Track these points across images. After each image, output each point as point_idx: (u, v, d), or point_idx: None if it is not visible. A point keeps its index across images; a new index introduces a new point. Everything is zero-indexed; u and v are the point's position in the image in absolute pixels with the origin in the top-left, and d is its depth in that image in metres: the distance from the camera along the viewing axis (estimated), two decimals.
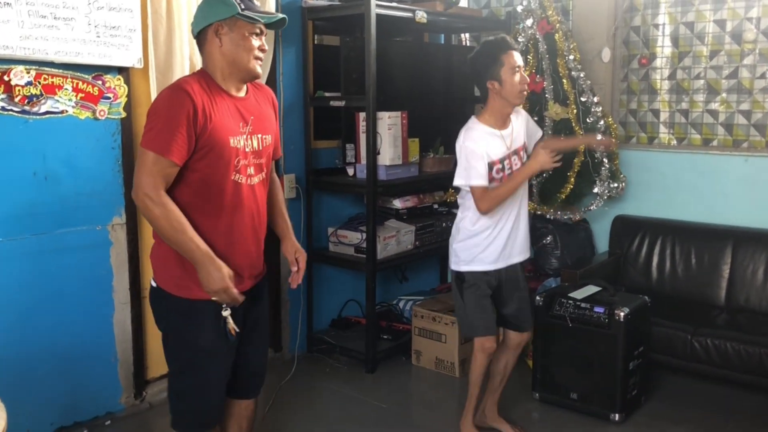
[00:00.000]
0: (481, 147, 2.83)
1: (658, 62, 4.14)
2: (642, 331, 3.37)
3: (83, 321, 3.15)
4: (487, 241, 2.92)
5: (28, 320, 2.96)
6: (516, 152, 2.95)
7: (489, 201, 2.83)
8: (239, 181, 2.13)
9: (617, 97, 4.27)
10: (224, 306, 2.12)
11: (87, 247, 3.13)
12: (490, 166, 2.85)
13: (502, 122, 2.92)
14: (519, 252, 3.03)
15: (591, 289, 3.44)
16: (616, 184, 3.90)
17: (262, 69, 2.22)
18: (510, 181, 2.85)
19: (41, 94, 2.88)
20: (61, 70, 2.93)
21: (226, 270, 2.03)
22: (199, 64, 3.30)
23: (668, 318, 3.52)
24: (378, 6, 3.60)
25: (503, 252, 2.96)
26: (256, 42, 2.13)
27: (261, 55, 2.16)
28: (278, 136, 2.36)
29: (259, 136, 2.21)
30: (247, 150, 2.15)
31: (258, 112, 2.23)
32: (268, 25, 2.18)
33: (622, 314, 3.19)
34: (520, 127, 3.00)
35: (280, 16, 2.21)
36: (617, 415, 3.25)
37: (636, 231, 4.05)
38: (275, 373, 3.84)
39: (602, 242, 4.26)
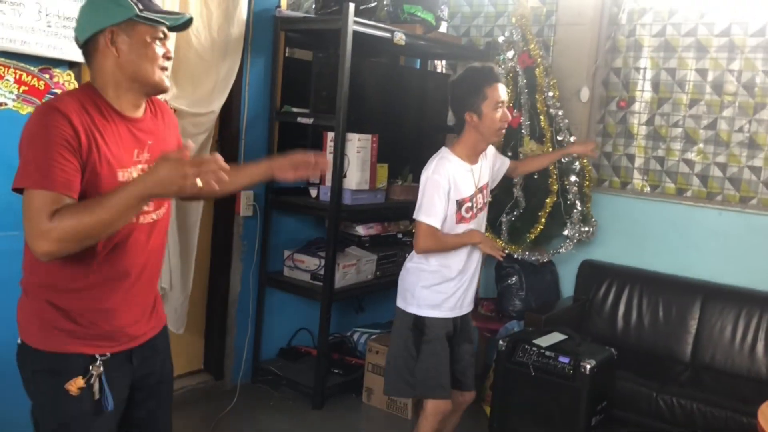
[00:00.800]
0: (446, 183, 2.59)
1: (636, 106, 4.05)
2: (606, 386, 3.22)
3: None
4: (455, 285, 2.70)
5: None
6: (481, 190, 2.76)
7: (434, 243, 2.61)
8: (131, 220, 1.70)
9: (593, 138, 4.15)
10: (97, 362, 1.72)
11: (16, 254, 2.83)
12: (459, 204, 2.65)
13: (474, 157, 2.73)
14: (471, 300, 2.83)
15: (556, 337, 3.28)
16: (587, 228, 3.78)
17: (168, 80, 1.80)
18: (460, 238, 2.66)
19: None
20: (3, 59, 2.66)
21: (171, 158, 1.53)
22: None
23: (633, 372, 3.37)
24: (356, 23, 3.41)
25: (463, 297, 2.75)
26: (160, 49, 1.74)
27: (167, 64, 1.78)
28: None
29: None
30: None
31: (157, 133, 1.83)
32: (171, 28, 1.80)
33: (588, 366, 3.03)
34: (488, 163, 2.82)
35: (188, 16, 1.82)
36: None
37: (603, 277, 3.92)
38: (214, 403, 3.58)
39: (568, 286, 4.12)
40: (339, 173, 3.47)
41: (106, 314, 1.76)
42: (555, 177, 3.68)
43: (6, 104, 2.71)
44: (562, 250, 3.79)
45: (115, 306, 1.77)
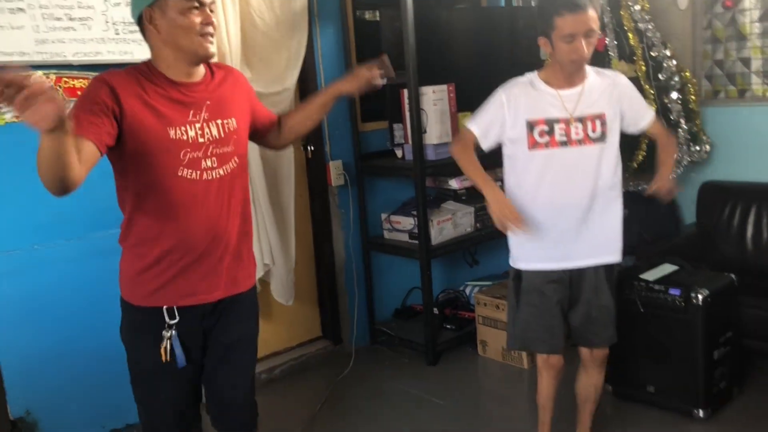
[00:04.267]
0: (504, 98, 2.41)
1: (745, 3, 3.60)
2: (728, 315, 2.94)
3: None
4: (541, 223, 2.41)
5: (70, 325, 2.96)
6: (582, 120, 2.37)
7: (460, 148, 2.48)
8: (190, 176, 1.85)
9: (699, 47, 3.76)
10: (167, 322, 1.88)
11: None
12: (531, 125, 2.38)
13: (564, 81, 2.40)
14: (604, 251, 2.48)
15: (667, 269, 3.05)
16: (698, 147, 3.45)
17: (214, 46, 1.94)
18: (475, 173, 2.45)
19: (63, 98, 2.84)
20: (81, 72, 2.88)
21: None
22: (228, 54, 3.23)
23: (764, 297, 3.05)
24: None
25: (563, 246, 2.43)
26: (197, 18, 1.83)
27: (208, 30, 1.86)
28: (255, 109, 2.12)
29: (219, 121, 1.93)
30: (200, 140, 1.87)
31: (217, 96, 1.95)
32: None
33: (700, 296, 2.79)
34: (602, 92, 2.42)
35: None
36: (701, 411, 2.86)
37: (726, 199, 3.57)
38: (332, 368, 3.71)
39: (689, 213, 3.79)
40: (418, 129, 3.42)
41: (181, 271, 1.89)
42: (652, 97, 3.38)
43: None
44: (672, 175, 3.47)
45: (188, 263, 1.89)
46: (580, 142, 2.40)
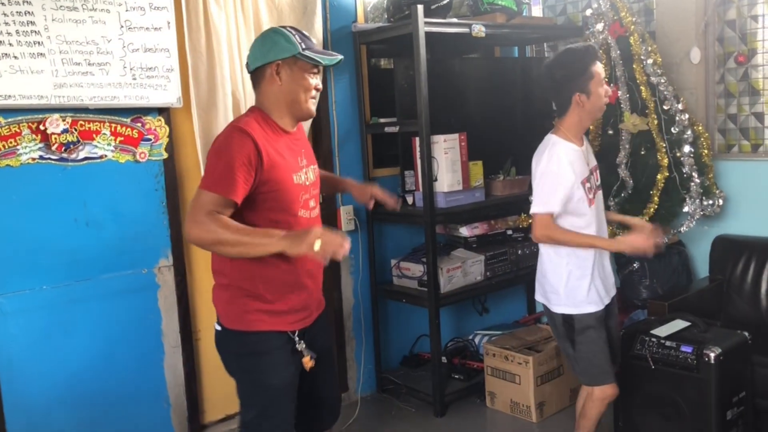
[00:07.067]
0: (568, 169, 2.55)
1: (758, 59, 3.61)
2: (742, 374, 2.88)
3: (133, 366, 3.10)
4: (595, 273, 2.64)
5: (76, 366, 2.95)
6: (592, 171, 2.69)
7: (555, 233, 2.56)
8: (304, 216, 2.14)
9: (713, 101, 3.76)
10: (297, 339, 2.14)
11: (133, 291, 3.09)
12: (582, 184, 2.59)
13: (580, 138, 2.69)
14: (613, 282, 2.82)
15: (678, 325, 3.00)
16: (711, 201, 3.42)
17: (314, 107, 2.20)
18: (591, 239, 2.60)
19: (78, 141, 2.88)
20: (97, 115, 2.93)
21: (311, 230, 1.91)
22: (243, 100, 3.28)
23: None
24: (427, 24, 3.37)
25: (607, 282, 2.73)
26: (313, 81, 2.13)
27: (316, 94, 2.16)
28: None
29: (312, 167, 2.25)
30: (307, 184, 2.18)
31: (305, 144, 2.27)
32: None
33: (712, 355, 2.73)
34: (587, 144, 2.77)
35: (339, 57, 2.20)
36: None
37: (740, 253, 3.52)
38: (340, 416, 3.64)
39: (702, 267, 3.74)
40: (429, 177, 3.43)
41: (297, 298, 2.15)
42: (664, 150, 3.37)
43: (106, 156, 2.97)
44: (683, 228, 3.45)
45: (304, 287, 2.18)
46: (596, 191, 2.71)
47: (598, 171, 2.76)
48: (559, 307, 2.67)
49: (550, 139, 2.64)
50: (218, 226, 1.90)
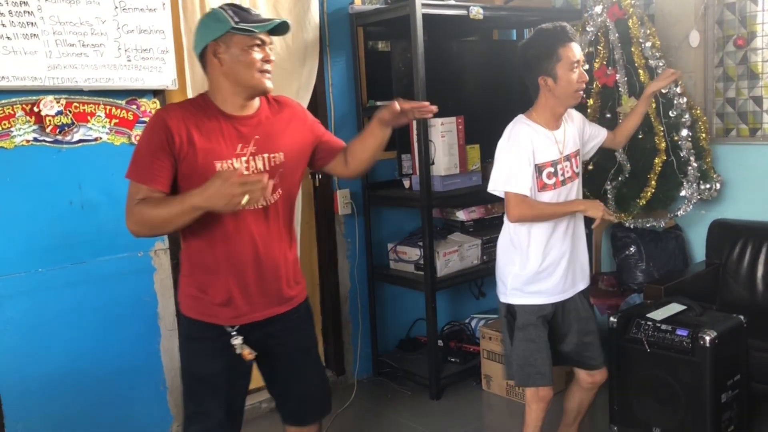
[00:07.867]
0: (526, 148, 2.44)
1: (758, 42, 3.59)
2: (737, 358, 2.89)
3: (129, 349, 3.10)
4: (548, 265, 2.52)
5: (72, 350, 2.95)
6: (569, 158, 2.55)
7: (527, 209, 2.43)
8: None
9: (711, 85, 3.74)
10: (233, 333, 2.05)
11: (129, 274, 3.09)
12: (540, 168, 2.47)
13: (554, 122, 2.53)
14: (582, 278, 2.64)
15: (674, 308, 3.00)
16: (708, 185, 3.41)
17: (271, 81, 2.05)
18: (557, 207, 2.49)
19: (72, 123, 2.87)
20: (92, 97, 2.91)
21: (218, 174, 1.80)
22: None
23: None
24: (425, 5, 3.34)
25: (563, 281, 2.55)
26: (257, 54, 1.99)
27: (267, 67, 2.02)
28: (322, 139, 2.24)
29: (266, 155, 2.06)
30: (245, 173, 1.98)
31: (268, 129, 2.08)
32: (272, 32, 2.04)
33: (707, 338, 2.74)
34: (574, 130, 2.61)
35: (278, 21, 2.02)
36: None
37: (737, 237, 3.51)
38: (334, 400, 3.62)
39: (698, 251, 3.75)
40: (425, 161, 3.41)
41: (228, 292, 2.04)
42: (662, 134, 3.36)
43: (101, 138, 2.96)
44: (680, 212, 3.45)
45: (236, 283, 2.05)
46: (570, 179, 2.55)
47: (577, 158, 2.59)
48: (504, 297, 2.59)
49: (517, 118, 2.56)
50: (144, 208, 1.88)
